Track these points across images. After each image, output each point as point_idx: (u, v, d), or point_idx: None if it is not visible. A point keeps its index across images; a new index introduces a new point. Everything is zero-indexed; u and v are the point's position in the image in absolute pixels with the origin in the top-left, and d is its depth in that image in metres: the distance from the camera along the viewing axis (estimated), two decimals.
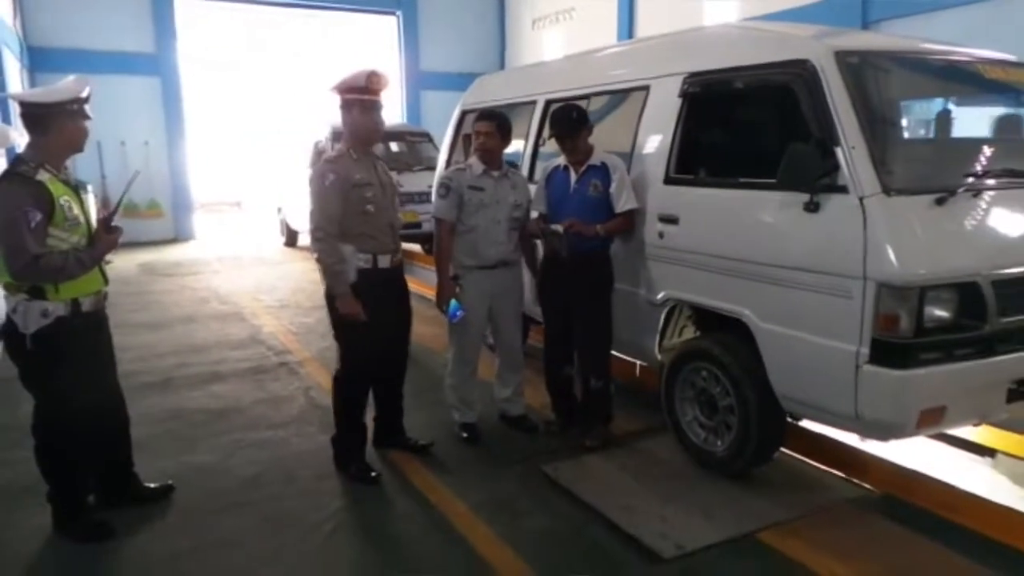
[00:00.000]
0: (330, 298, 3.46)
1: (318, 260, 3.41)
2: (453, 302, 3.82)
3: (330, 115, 4.67)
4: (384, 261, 3.47)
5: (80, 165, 9.78)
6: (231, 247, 12.65)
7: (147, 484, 3.37)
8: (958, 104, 3.79)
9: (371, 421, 3.79)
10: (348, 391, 3.60)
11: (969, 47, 3.49)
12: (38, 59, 12.05)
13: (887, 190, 2.69)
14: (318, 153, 9.58)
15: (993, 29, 7.42)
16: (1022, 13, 7.28)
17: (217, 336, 6.44)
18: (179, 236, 13.62)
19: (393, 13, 15.67)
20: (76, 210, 2.86)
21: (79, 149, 2.95)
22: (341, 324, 3.47)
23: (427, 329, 6.26)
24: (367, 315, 3.36)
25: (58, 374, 2.82)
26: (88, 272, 2.87)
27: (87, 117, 2.91)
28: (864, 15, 8.83)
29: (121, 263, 10.76)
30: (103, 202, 12.07)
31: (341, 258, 3.35)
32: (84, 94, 2.87)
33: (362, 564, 2.90)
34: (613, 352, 4.04)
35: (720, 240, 3.32)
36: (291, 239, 12.40)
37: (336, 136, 5.53)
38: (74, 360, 2.85)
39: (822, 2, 9.32)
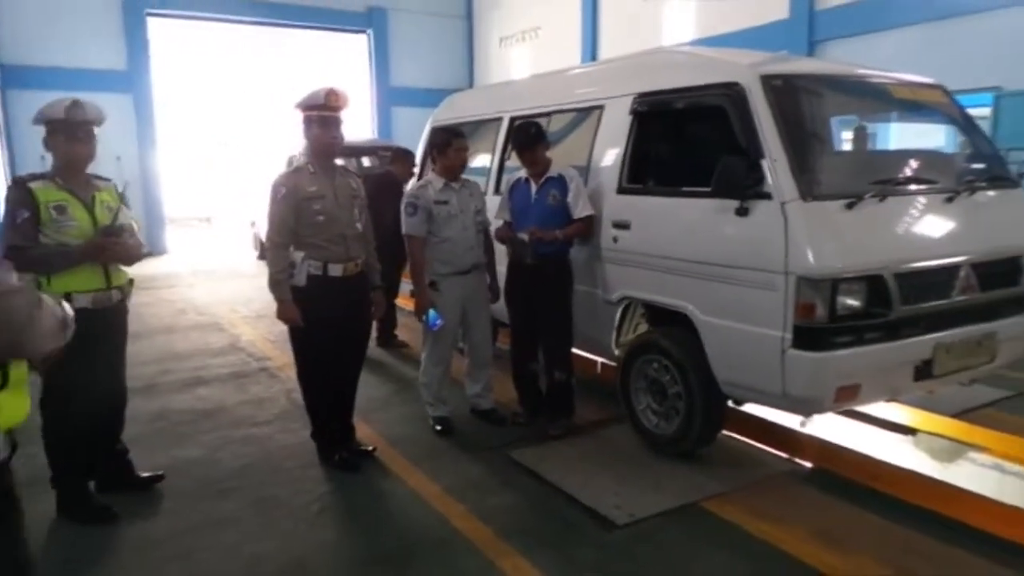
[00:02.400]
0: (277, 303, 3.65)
1: (268, 267, 3.63)
2: (431, 311, 4.14)
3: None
4: (336, 270, 3.61)
5: None
6: (205, 261, 12.82)
7: (140, 473, 3.63)
8: (871, 120, 4.23)
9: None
10: (306, 388, 3.87)
11: (903, 66, 3.92)
12: (11, 77, 12.18)
13: (804, 196, 3.09)
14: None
15: (927, 49, 8.02)
16: (952, 34, 7.88)
17: (197, 345, 6.68)
18: (152, 251, 13.73)
19: (364, 31, 16.03)
20: (73, 213, 3.11)
21: (76, 167, 3.20)
22: (291, 329, 3.70)
23: (401, 335, 6.57)
24: (317, 319, 3.57)
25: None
26: (73, 266, 3.07)
27: (77, 139, 3.15)
28: (811, 35, 9.41)
29: None
30: None
31: (287, 267, 3.57)
32: (60, 116, 3.08)
33: (347, 538, 3.20)
34: (575, 349, 4.40)
35: (666, 243, 3.70)
36: (264, 252, 12.58)
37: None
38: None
39: (773, 23, 9.89)
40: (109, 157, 13.28)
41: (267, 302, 3.18)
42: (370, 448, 4.03)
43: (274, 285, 3.59)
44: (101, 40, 13.09)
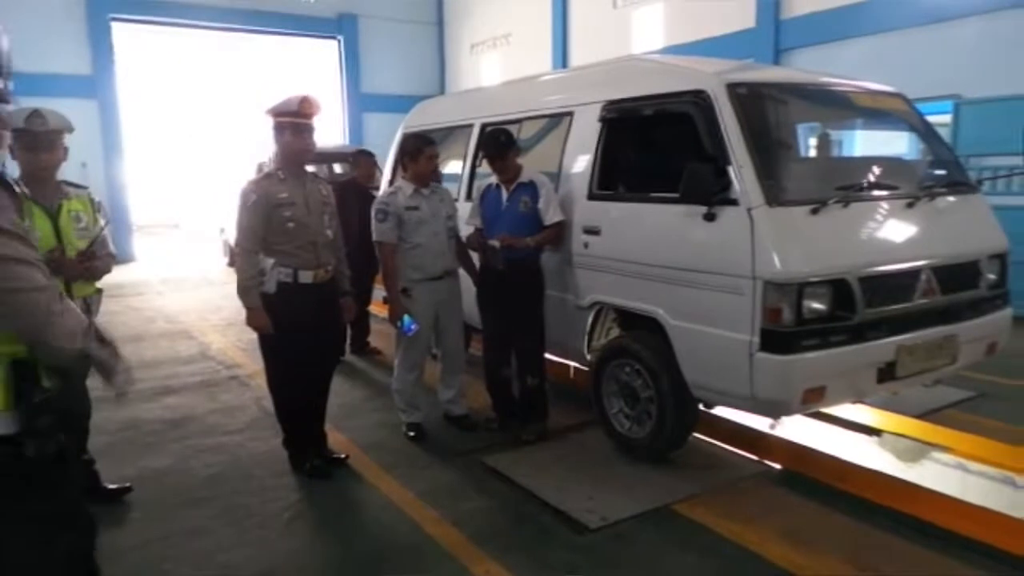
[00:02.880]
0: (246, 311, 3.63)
1: (236, 273, 3.61)
2: (406, 317, 4.13)
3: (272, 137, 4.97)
4: (306, 277, 3.60)
5: None
6: (174, 268, 12.63)
7: (106, 485, 3.57)
8: (835, 127, 4.33)
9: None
10: (280, 397, 3.84)
11: (866, 74, 4.01)
12: None
13: (770, 202, 3.16)
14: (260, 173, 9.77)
15: (889, 57, 8.22)
16: (913, 44, 8.08)
17: (167, 353, 6.59)
18: (120, 257, 13.47)
19: (334, 37, 15.97)
20: (35, 223, 3.01)
21: (39, 176, 3.13)
22: (261, 336, 3.68)
23: (373, 342, 6.55)
24: (288, 326, 3.55)
25: None
26: None
27: (38, 149, 3.09)
28: (776, 44, 9.58)
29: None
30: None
31: (256, 273, 3.55)
32: (20, 126, 2.98)
33: (319, 545, 3.18)
34: (548, 355, 4.42)
35: (636, 248, 3.74)
36: (234, 259, 12.45)
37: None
38: None
39: (741, 32, 10.06)
40: (74, 163, 12.98)
41: (237, 309, 3.15)
42: (342, 456, 4.00)
43: (243, 292, 3.56)
44: (65, 45, 12.89)
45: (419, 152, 4.16)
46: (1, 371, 1.63)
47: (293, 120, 3.57)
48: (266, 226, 3.53)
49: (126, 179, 13.70)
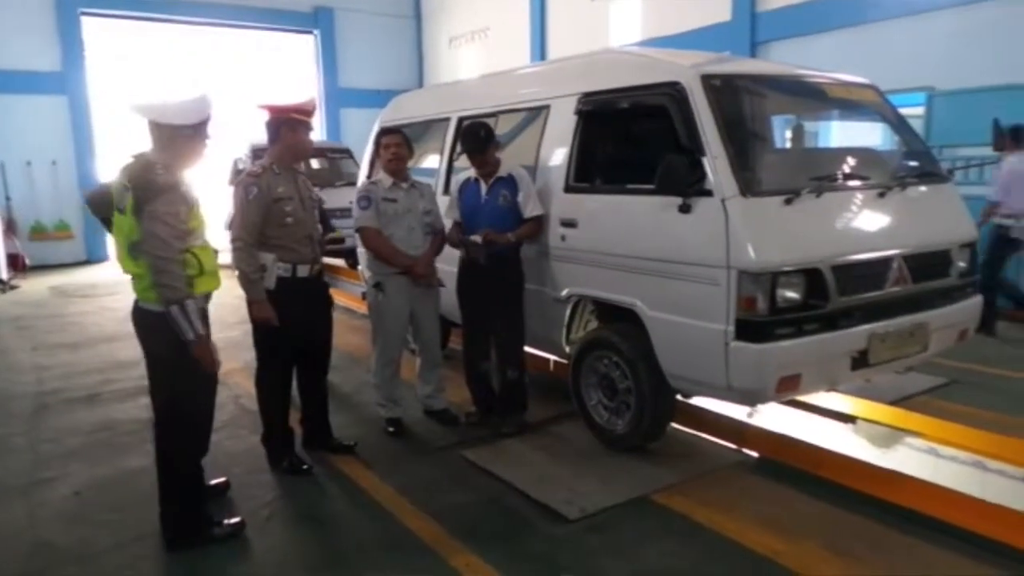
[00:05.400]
0: (249, 303, 3.65)
1: (237, 268, 3.61)
2: None
3: (249, 133, 4.92)
4: (303, 271, 3.69)
5: None
6: None
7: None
8: (809, 119, 4.37)
9: (298, 424, 4.04)
10: (267, 391, 3.84)
11: (840, 67, 4.03)
12: None
13: (744, 192, 3.18)
14: (237, 171, 9.67)
15: (863, 50, 8.30)
16: (887, 36, 8.17)
17: (141, 354, 6.47)
18: (91, 258, 13.30)
19: (310, 32, 15.81)
20: None
21: None
22: (258, 328, 3.69)
23: (352, 338, 6.54)
24: (286, 321, 3.58)
25: None
26: None
27: None
28: (753, 36, 9.63)
29: (30, 287, 10.52)
30: (7, 224, 11.71)
31: (259, 267, 3.58)
32: None
33: (297, 543, 3.16)
34: (528, 347, 4.42)
35: (613, 240, 3.75)
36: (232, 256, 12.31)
37: (256, 153, 5.49)
38: None
39: (716, 25, 10.10)
40: (44, 161, 12.85)
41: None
42: (351, 443, 4.07)
43: (249, 285, 3.57)
44: (33, 40, 12.62)
45: (378, 144, 4.22)
46: None
47: (301, 117, 3.67)
48: (264, 221, 3.57)
49: (98, 177, 13.47)
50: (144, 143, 2.98)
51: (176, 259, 2.82)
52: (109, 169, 14.32)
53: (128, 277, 2.99)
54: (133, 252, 2.90)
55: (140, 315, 3.00)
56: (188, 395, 3.00)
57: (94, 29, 13.49)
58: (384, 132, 4.25)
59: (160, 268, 2.80)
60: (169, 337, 2.85)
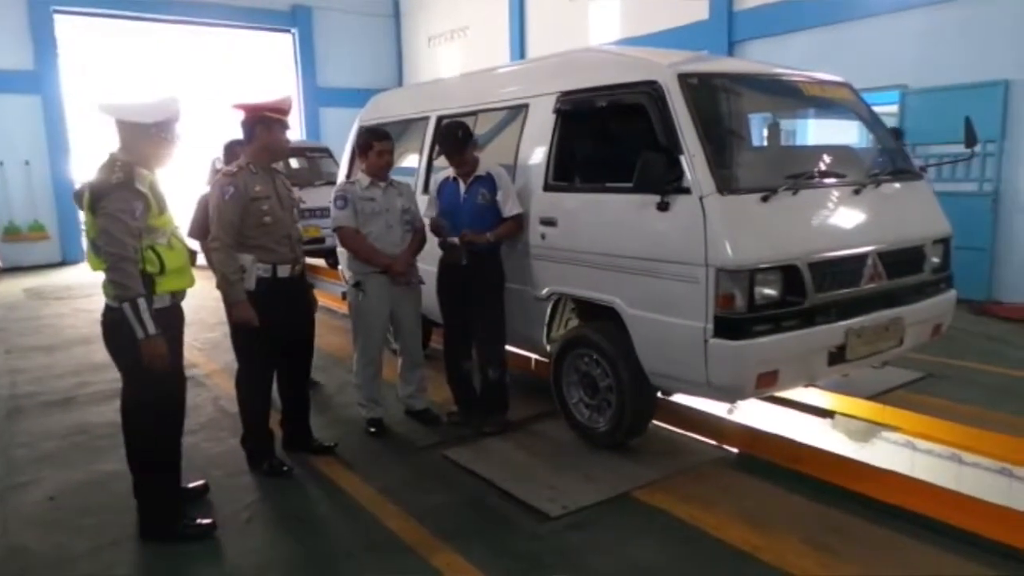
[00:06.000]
0: (228, 304, 3.63)
1: (215, 269, 3.59)
2: None
3: (226, 133, 4.83)
4: (283, 271, 3.66)
5: None
6: None
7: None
8: (785, 117, 4.40)
9: (278, 426, 4.01)
10: (248, 393, 3.80)
11: (816, 65, 4.06)
12: None
13: (721, 190, 3.20)
14: (215, 170, 9.56)
15: (838, 48, 8.39)
16: (862, 35, 8.26)
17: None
18: (67, 259, 13.12)
19: (288, 31, 15.70)
20: None
21: None
22: (239, 330, 3.66)
23: (334, 339, 6.50)
24: (267, 322, 3.55)
25: None
26: None
27: None
28: (730, 35, 9.70)
29: (4, 289, 10.36)
30: None
31: (238, 268, 3.54)
32: None
33: (278, 545, 3.13)
34: (509, 346, 4.42)
35: (592, 238, 3.76)
36: (190, 258, 12.18)
37: (227, 152, 5.32)
38: None
39: (694, 23, 10.16)
40: (17, 162, 12.63)
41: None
42: (332, 444, 4.04)
43: (229, 287, 3.53)
44: (4, 38, 12.42)
45: (369, 148, 4.14)
46: None
47: (278, 116, 3.64)
48: (242, 220, 3.53)
49: (73, 177, 13.28)
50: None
51: (130, 257, 2.82)
52: (85, 169, 14.15)
53: (99, 279, 2.97)
54: (95, 249, 2.92)
55: (105, 312, 3.02)
56: (153, 393, 3.00)
57: (70, 29, 13.30)
58: (376, 136, 4.17)
59: (113, 265, 2.81)
60: (129, 334, 2.85)
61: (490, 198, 4.07)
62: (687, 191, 3.25)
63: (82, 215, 2.95)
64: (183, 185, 11.92)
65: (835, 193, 3.61)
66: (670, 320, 3.37)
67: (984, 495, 3.12)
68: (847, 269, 3.44)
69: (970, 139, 4.05)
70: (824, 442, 3.87)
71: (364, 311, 4.20)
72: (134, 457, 3.18)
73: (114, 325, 2.95)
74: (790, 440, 3.82)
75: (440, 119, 4.98)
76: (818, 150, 4.02)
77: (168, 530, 3.13)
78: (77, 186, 3.51)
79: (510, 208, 4.07)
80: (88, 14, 13.49)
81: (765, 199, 3.26)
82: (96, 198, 2.83)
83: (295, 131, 15.26)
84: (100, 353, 6.42)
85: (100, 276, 2.97)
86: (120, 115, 2.96)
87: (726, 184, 3.22)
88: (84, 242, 13.30)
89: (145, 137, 2.96)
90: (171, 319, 3.01)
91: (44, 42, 12.78)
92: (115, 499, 3.52)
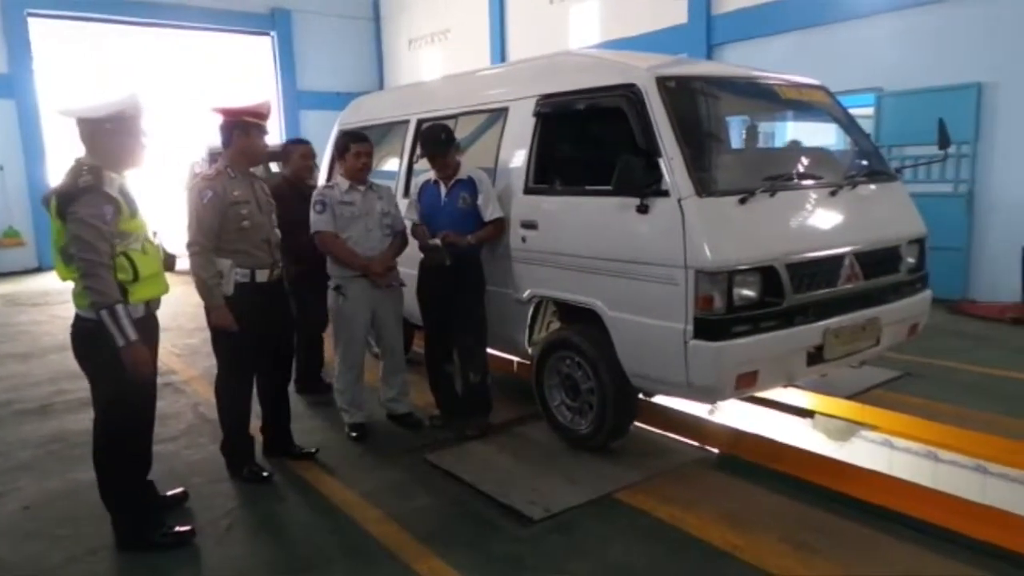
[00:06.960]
0: (207, 310, 3.60)
1: (194, 274, 3.55)
2: None
3: (206, 137, 4.82)
4: (262, 276, 3.63)
5: None
6: None
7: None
8: (762, 120, 4.45)
9: (258, 432, 3.98)
10: (228, 399, 3.77)
11: (794, 68, 4.10)
12: None
13: (700, 193, 3.22)
14: (194, 175, 9.48)
15: (815, 52, 8.50)
16: (838, 38, 8.36)
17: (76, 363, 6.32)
18: (43, 265, 12.94)
19: (267, 34, 15.61)
20: None
21: None
22: (218, 335, 3.62)
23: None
24: (245, 327, 3.52)
25: None
26: None
27: None
28: (709, 39, 9.78)
29: None
30: None
31: (216, 272, 3.52)
32: None
33: (259, 552, 3.10)
34: (490, 349, 4.42)
35: (572, 241, 3.77)
36: (169, 263, 12.08)
37: (212, 157, 5.20)
38: None
39: (674, 27, 10.23)
40: None
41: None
42: (312, 450, 4.02)
43: (207, 291, 3.50)
44: None
45: (346, 150, 4.14)
46: None
47: (256, 120, 3.62)
48: (220, 225, 3.51)
49: (48, 183, 13.09)
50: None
51: (105, 263, 2.76)
52: (60, 175, 13.93)
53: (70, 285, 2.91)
54: (64, 257, 2.85)
55: (76, 322, 2.95)
56: (128, 404, 2.95)
57: (47, 33, 13.12)
58: (354, 138, 4.16)
59: (86, 272, 2.74)
60: (104, 344, 2.78)
61: (471, 202, 4.07)
62: (666, 194, 3.27)
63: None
64: (163, 188, 11.84)
65: (812, 195, 3.65)
66: (650, 322, 3.38)
67: (960, 492, 3.16)
68: (825, 270, 3.48)
69: (944, 141, 4.12)
70: (804, 441, 3.91)
71: (345, 315, 4.18)
72: (103, 467, 3.08)
73: (86, 335, 2.87)
74: (771, 440, 3.85)
75: (420, 122, 4.97)
76: (795, 152, 4.07)
77: (146, 539, 3.09)
78: (46, 192, 3.47)
79: (491, 212, 4.07)
80: (63, 17, 13.33)
81: (743, 201, 3.29)
82: (64, 203, 2.76)
83: (274, 135, 15.18)
84: None
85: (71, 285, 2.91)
86: (74, 114, 2.91)
87: (704, 186, 3.24)
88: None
89: (101, 133, 2.89)
90: (146, 330, 2.95)
91: (18, 46, 12.62)
92: (92, 508, 3.45)
